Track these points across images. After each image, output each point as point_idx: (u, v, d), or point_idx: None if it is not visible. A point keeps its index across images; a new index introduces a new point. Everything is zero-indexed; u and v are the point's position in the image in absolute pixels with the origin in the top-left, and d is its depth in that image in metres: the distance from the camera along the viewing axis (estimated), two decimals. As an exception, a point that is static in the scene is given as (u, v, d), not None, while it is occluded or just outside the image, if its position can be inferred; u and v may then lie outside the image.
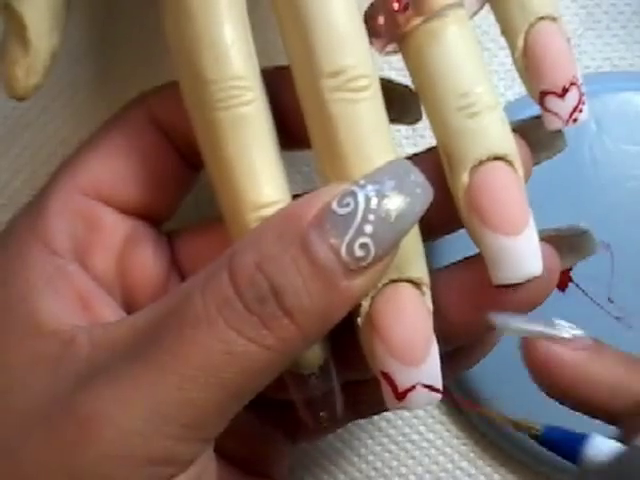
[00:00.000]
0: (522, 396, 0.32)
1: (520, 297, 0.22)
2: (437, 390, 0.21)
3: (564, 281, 0.32)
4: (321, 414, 0.24)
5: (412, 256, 0.21)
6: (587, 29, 0.34)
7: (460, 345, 0.24)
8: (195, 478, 0.21)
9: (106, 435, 0.19)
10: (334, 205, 0.20)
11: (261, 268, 0.19)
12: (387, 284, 0.21)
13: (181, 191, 0.26)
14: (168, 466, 0.20)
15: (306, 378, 0.23)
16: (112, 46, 0.32)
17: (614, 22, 0.34)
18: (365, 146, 0.21)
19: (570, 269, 0.32)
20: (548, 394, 0.22)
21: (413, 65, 0.22)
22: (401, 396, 0.21)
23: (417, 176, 0.20)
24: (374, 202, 0.20)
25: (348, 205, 0.20)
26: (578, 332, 0.22)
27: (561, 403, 0.22)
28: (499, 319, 0.22)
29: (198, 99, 0.22)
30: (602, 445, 0.21)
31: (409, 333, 0.21)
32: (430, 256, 0.32)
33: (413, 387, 0.21)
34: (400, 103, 0.25)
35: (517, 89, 0.33)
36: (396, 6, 0.22)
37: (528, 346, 0.22)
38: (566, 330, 0.22)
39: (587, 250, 0.24)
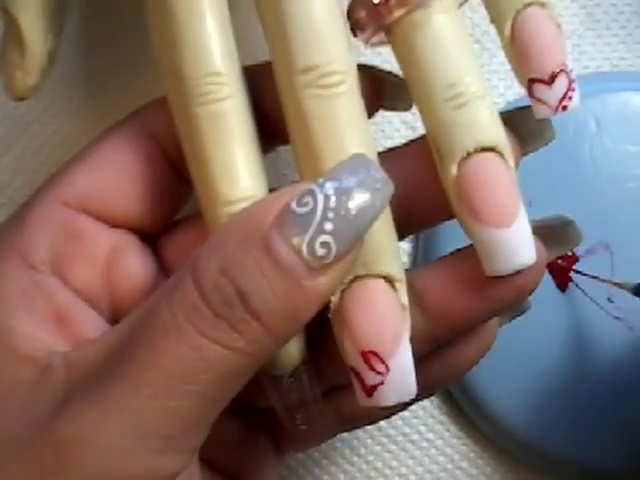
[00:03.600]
0: (522, 392, 0.32)
1: (509, 289, 0.22)
2: (410, 384, 0.21)
3: (564, 281, 0.32)
4: (297, 416, 0.24)
5: (382, 252, 0.21)
6: (587, 29, 0.34)
7: (452, 339, 0.24)
8: None
9: (86, 456, 0.19)
10: (293, 205, 0.20)
11: (225, 272, 0.19)
12: (356, 279, 0.21)
13: (174, 204, 0.25)
14: None
15: (279, 379, 0.23)
16: (111, 47, 0.32)
17: (614, 22, 0.34)
18: (339, 142, 0.21)
19: (570, 269, 0.32)
20: None
21: (400, 56, 0.22)
22: (370, 392, 0.21)
23: (377, 171, 0.20)
24: (333, 200, 0.19)
25: (307, 204, 0.19)
26: None
27: None
28: None
29: (178, 95, 0.22)
30: None
31: (376, 328, 0.21)
32: (429, 247, 0.32)
33: (381, 383, 0.21)
34: (391, 91, 0.24)
35: (517, 89, 0.33)
36: (377, 0, 0.22)
37: None
38: None
39: (573, 240, 0.24)
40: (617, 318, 0.31)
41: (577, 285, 0.32)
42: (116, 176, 0.24)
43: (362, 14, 0.22)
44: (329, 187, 0.20)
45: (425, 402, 0.34)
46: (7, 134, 0.32)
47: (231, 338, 0.19)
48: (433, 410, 0.34)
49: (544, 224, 0.24)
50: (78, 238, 0.24)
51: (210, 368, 0.19)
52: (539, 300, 0.31)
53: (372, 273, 0.21)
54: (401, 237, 0.23)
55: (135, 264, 0.24)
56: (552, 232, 0.24)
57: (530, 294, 0.23)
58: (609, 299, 0.32)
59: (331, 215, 0.19)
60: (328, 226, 0.19)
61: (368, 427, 0.33)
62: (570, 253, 0.32)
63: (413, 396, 0.21)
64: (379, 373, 0.21)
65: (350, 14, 0.22)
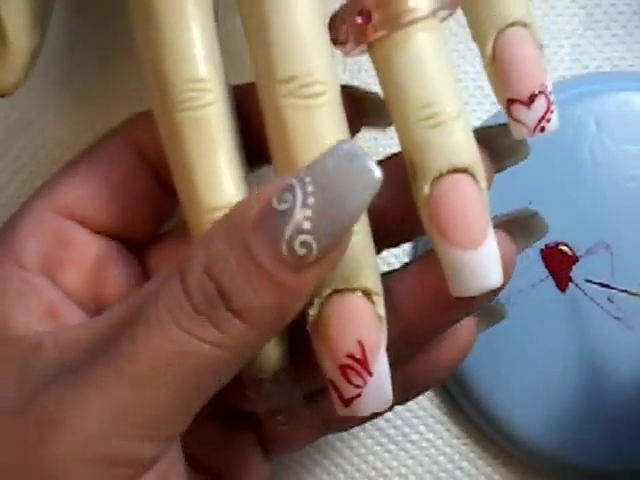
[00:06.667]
0: (518, 388, 0.32)
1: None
2: (387, 395, 0.21)
3: (564, 281, 0.32)
4: (279, 419, 0.24)
5: (359, 266, 0.21)
6: (587, 29, 0.34)
7: (423, 344, 0.24)
8: (161, 476, 0.21)
9: (63, 437, 0.20)
10: (274, 202, 0.19)
11: (208, 271, 0.19)
12: (333, 293, 0.21)
13: (159, 216, 0.26)
14: (129, 466, 0.20)
15: (261, 383, 0.23)
16: (112, 47, 0.32)
17: (614, 22, 0.34)
18: (318, 152, 0.20)
19: (570, 269, 0.32)
20: None
21: (379, 72, 0.22)
22: (347, 403, 0.21)
23: (364, 162, 0.19)
24: (311, 196, 0.19)
25: (287, 201, 0.19)
26: None
27: None
28: None
29: (161, 101, 0.22)
30: None
31: (354, 342, 0.21)
32: (429, 246, 0.32)
33: (358, 395, 0.21)
34: (371, 110, 0.24)
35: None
36: (359, 20, 0.22)
37: None
38: None
39: (539, 232, 0.24)
40: (617, 318, 0.31)
41: (577, 285, 0.32)
42: (102, 187, 0.24)
43: (344, 30, 0.22)
44: (309, 181, 0.19)
45: (425, 402, 0.34)
46: (7, 134, 0.32)
47: (212, 334, 0.19)
48: (433, 410, 0.34)
49: (510, 218, 0.24)
50: (67, 244, 0.24)
51: (188, 362, 0.20)
52: (539, 300, 0.32)
53: (349, 287, 0.21)
54: (380, 249, 0.23)
55: (121, 273, 0.24)
56: (518, 225, 0.24)
57: (501, 290, 0.23)
58: (609, 299, 0.32)
59: (308, 213, 0.19)
60: (306, 225, 0.19)
61: (368, 427, 0.34)
62: (570, 253, 0.32)
63: (389, 405, 0.21)
64: (357, 386, 0.21)
65: (331, 28, 0.22)
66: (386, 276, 0.23)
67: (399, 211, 0.23)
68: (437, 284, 0.22)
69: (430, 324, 0.23)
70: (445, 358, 0.26)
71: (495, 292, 0.23)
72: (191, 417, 0.21)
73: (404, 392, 0.25)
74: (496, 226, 0.22)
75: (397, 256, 0.34)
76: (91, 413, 0.20)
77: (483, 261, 0.21)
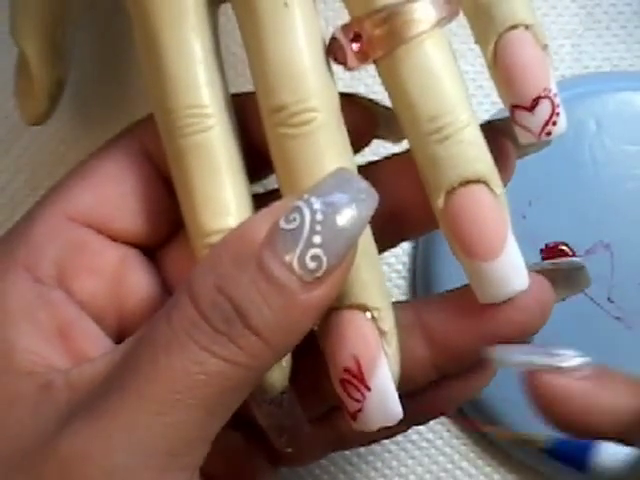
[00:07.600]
0: (517, 388, 0.32)
1: (512, 327, 0.22)
2: (392, 410, 0.21)
3: (564, 281, 0.32)
4: (282, 439, 0.24)
5: (356, 283, 0.22)
6: (587, 29, 0.34)
7: (456, 372, 0.24)
8: None
9: (89, 475, 0.19)
10: (282, 222, 0.20)
11: (221, 290, 0.19)
12: (332, 310, 0.21)
13: (173, 220, 0.25)
14: None
15: (261, 403, 0.23)
16: (113, 48, 0.32)
17: (614, 22, 0.34)
18: (318, 176, 0.21)
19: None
20: (556, 427, 0.22)
21: (386, 85, 0.22)
22: (354, 417, 0.22)
23: (359, 182, 0.20)
24: (319, 214, 0.20)
25: (295, 220, 0.20)
26: (581, 360, 0.22)
27: (569, 433, 0.22)
28: (497, 353, 0.22)
29: (164, 127, 0.22)
30: (611, 451, 0.20)
31: (350, 358, 0.21)
32: (429, 246, 0.32)
33: (360, 409, 0.21)
34: (384, 124, 0.25)
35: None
36: (355, 47, 0.21)
37: (530, 380, 0.21)
38: (568, 359, 0.22)
39: (581, 284, 0.24)
40: (617, 318, 0.31)
41: (577, 285, 0.32)
42: (120, 193, 0.24)
43: (341, 54, 0.22)
44: (314, 201, 0.20)
45: (425, 402, 0.34)
46: (7, 134, 0.33)
47: (232, 352, 0.19)
48: (433, 410, 0.34)
49: (555, 267, 0.24)
50: (84, 251, 0.24)
51: (212, 382, 0.19)
52: (539, 300, 0.32)
53: (344, 305, 0.22)
54: (394, 244, 0.24)
55: (141, 279, 0.24)
56: (562, 275, 0.24)
57: (535, 332, 0.23)
58: (609, 299, 0.32)
59: (319, 228, 0.19)
60: (317, 239, 0.19)
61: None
62: (570, 253, 0.32)
63: (397, 420, 0.21)
64: (356, 400, 0.21)
65: (329, 52, 0.22)
66: (417, 303, 0.24)
67: (410, 207, 0.23)
68: (467, 316, 0.23)
69: (458, 353, 0.23)
70: (466, 389, 0.26)
71: (532, 333, 0.23)
72: (211, 441, 0.21)
73: (422, 416, 0.26)
74: (538, 272, 0.22)
75: (397, 256, 0.34)
76: (116, 445, 0.19)
77: (504, 268, 0.21)
